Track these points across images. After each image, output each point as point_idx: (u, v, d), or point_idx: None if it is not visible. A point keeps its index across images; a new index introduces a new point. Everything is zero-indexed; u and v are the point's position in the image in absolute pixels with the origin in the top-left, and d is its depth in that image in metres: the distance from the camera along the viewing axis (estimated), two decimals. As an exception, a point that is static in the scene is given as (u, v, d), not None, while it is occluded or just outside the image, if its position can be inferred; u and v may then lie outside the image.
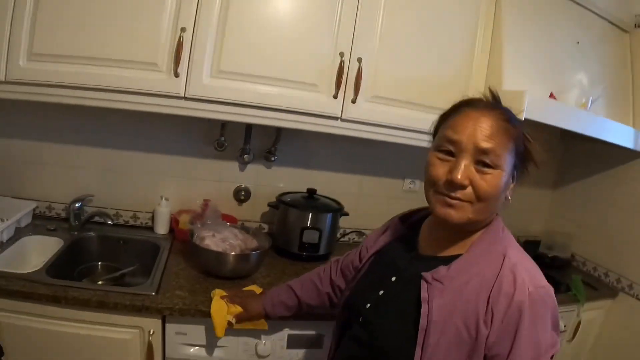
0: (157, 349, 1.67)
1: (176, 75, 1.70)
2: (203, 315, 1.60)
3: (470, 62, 2.04)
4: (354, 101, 1.86)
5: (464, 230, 1.05)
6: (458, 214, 0.98)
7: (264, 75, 1.79)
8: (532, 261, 1.03)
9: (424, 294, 0.99)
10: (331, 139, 2.12)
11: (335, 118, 1.89)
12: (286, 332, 1.72)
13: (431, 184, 1.03)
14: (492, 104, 1.06)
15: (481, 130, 0.97)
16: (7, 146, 2.15)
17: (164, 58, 1.71)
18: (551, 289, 0.97)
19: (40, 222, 2.15)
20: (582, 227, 2.68)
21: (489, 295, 0.93)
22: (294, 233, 2.11)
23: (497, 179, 0.97)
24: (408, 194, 2.49)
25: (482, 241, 1.03)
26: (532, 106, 1.77)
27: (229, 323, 1.53)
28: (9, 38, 1.64)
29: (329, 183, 2.34)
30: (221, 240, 1.83)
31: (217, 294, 1.60)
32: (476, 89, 1.60)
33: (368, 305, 1.15)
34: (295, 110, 1.84)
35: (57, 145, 2.18)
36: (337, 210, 2.20)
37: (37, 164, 2.20)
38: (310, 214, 2.12)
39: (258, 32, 1.77)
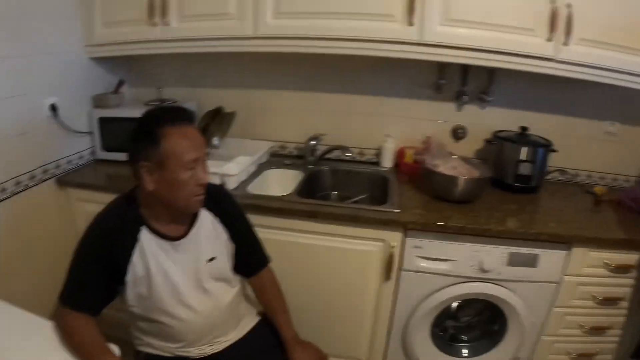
0: (396, 260, 2.03)
1: (410, 24, 1.99)
2: (439, 229, 1.93)
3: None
4: (565, 44, 1.98)
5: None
6: None
7: (487, 22, 1.99)
8: None
9: None
10: (539, 81, 2.28)
11: (550, 59, 2.02)
12: (507, 249, 1.95)
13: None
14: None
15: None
16: (247, 95, 2.68)
17: (398, 10, 2.00)
18: None
19: (276, 159, 2.66)
20: None
21: None
22: (510, 166, 2.33)
23: None
24: (607, 136, 2.53)
25: None
26: None
27: None
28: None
29: (536, 123, 2.47)
30: (451, 168, 2.15)
31: None
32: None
33: None
34: (514, 52, 2.01)
35: (290, 92, 2.66)
36: (548, 146, 2.35)
37: (272, 109, 2.70)
38: (525, 148, 2.31)
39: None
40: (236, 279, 1.71)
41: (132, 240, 1.43)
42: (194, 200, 1.41)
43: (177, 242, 1.48)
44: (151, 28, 2.24)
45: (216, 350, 1.64)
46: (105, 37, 2.37)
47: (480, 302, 2.16)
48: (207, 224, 1.56)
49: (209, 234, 1.56)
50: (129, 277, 1.44)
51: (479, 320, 2.29)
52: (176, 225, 1.49)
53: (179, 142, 1.33)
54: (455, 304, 2.23)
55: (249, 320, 1.77)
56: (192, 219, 1.53)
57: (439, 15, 1.98)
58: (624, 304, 2.04)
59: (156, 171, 1.36)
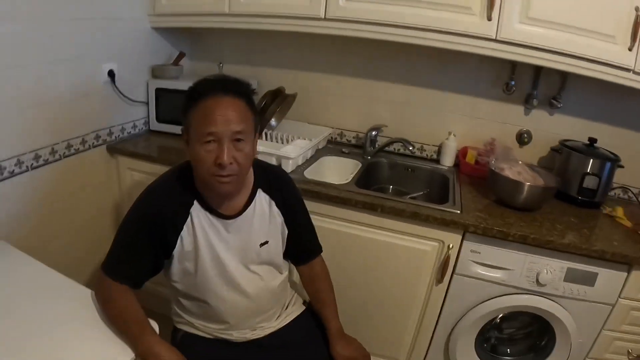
0: (451, 263, 1.96)
1: (489, 19, 1.91)
2: (500, 236, 1.85)
3: None
4: None
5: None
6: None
7: (566, 24, 1.89)
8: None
9: None
10: (612, 92, 2.19)
11: (628, 70, 1.92)
12: (566, 264, 1.87)
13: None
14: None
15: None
16: (308, 78, 2.63)
17: (477, 3, 1.92)
18: None
19: (333, 146, 2.61)
20: None
21: None
22: (574, 177, 2.23)
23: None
24: None
25: None
26: None
27: None
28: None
29: (604, 136, 2.35)
30: (517, 173, 2.06)
31: None
32: None
33: None
34: (591, 58, 1.91)
35: (352, 79, 2.59)
36: (616, 161, 2.25)
37: (332, 95, 2.64)
38: (592, 161, 2.21)
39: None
40: (285, 265, 1.68)
41: (183, 214, 1.40)
42: (213, 180, 1.31)
43: (229, 221, 1.44)
44: (218, 1, 2.20)
45: (258, 336, 1.61)
46: (170, 7, 2.34)
47: (527, 315, 2.08)
48: (263, 206, 1.51)
49: (264, 216, 1.51)
50: (176, 251, 1.41)
51: (524, 333, 2.21)
52: (230, 202, 1.44)
53: (200, 113, 1.27)
54: (500, 315, 2.14)
55: (295, 309, 1.74)
56: (248, 199, 1.48)
57: (518, 12, 1.90)
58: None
59: (188, 142, 1.33)
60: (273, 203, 1.53)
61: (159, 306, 1.56)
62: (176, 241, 1.40)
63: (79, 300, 1.38)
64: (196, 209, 1.41)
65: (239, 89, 1.30)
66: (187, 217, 1.40)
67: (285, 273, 1.68)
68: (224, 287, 1.48)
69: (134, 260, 1.39)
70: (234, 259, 1.47)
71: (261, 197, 1.51)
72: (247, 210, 1.47)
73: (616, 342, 1.99)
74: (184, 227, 1.40)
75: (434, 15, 1.97)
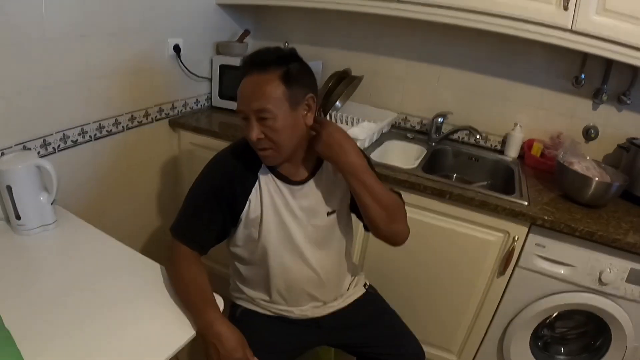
0: (515, 255, 1.93)
1: (565, 8, 1.86)
2: (567, 231, 1.81)
3: None
4: None
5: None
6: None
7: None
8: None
9: None
10: None
11: None
12: (630, 265, 1.82)
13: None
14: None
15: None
16: (374, 61, 2.62)
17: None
18: None
19: (397, 131, 2.60)
20: None
21: None
22: (642, 177, 2.17)
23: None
24: None
25: None
26: None
27: None
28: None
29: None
30: (585, 169, 2.01)
31: None
32: None
33: None
34: None
35: (419, 63, 2.57)
36: (685, 163, 2.18)
37: (398, 79, 2.62)
38: (662, 161, 2.14)
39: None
40: (350, 241, 1.66)
41: (252, 178, 1.40)
42: (259, 153, 1.34)
43: (297, 187, 1.44)
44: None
45: (318, 315, 1.61)
46: (236, -16, 2.35)
47: (582, 315, 2.05)
48: (330, 173, 1.49)
49: (331, 183, 1.49)
50: (243, 215, 1.42)
51: (579, 333, 2.16)
52: (297, 168, 1.44)
53: (240, 89, 1.29)
54: (557, 312, 2.10)
55: (356, 291, 1.72)
56: (315, 165, 1.47)
57: (595, 3, 1.85)
58: None
59: None
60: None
61: (216, 287, 1.57)
62: (244, 205, 1.41)
63: (141, 273, 1.40)
64: (264, 173, 1.41)
65: (267, 63, 1.26)
66: (255, 180, 1.40)
67: (349, 248, 1.67)
68: (287, 254, 1.48)
69: (202, 224, 1.40)
70: (299, 227, 1.46)
71: (329, 164, 1.47)
72: (314, 176, 1.46)
73: (672, 350, 1.94)
74: (252, 190, 1.40)
75: (510, 2, 1.93)
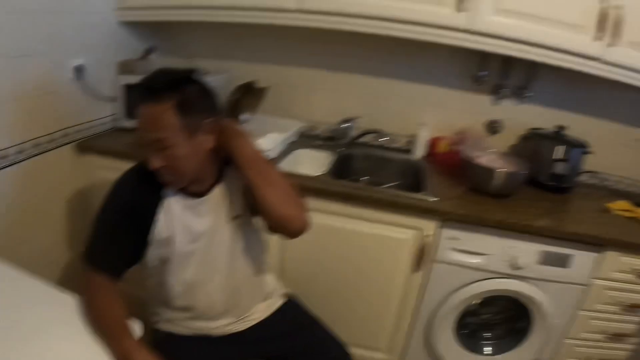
0: (429, 251, 1.99)
1: (461, 10, 1.95)
2: (478, 222, 1.89)
3: None
4: (612, 45, 1.96)
5: None
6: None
7: (536, 15, 1.95)
8: None
9: None
10: (580, 81, 2.25)
11: (595, 59, 2.00)
12: (541, 247, 1.93)
13: None
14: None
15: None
16: (280, 71, 2.63)
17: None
18: None
19: (306, 139, 2.61)
20: None
21: None
22: (544, 164, 2.30)
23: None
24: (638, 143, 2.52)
25: None
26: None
27: None
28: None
29: (572, 123, 2.43)
30: (490, 161, 2.12)
31: None
32: None
33: None
34: (560, 48, 1.99)
35: (324, 71, 2.61)
36: (584, 147, 2.33)
37: (304, 88, 2.65)
38: (562, 147, 2.28)
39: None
40: (264, 245, 1.66)
41: (157, 198, 1.39)
42: (161, 179, 1.35)
43: (202, 199, 1.43)
44: (185, -7, 2.18)
45: (240, 329, 1.61)
46: (137, 0, 2.30)
47: (504, 299, 2.14)
48: (234, 179, 1.47)
49: (234, 188, 1.48)
50: (153, 236, 1.39)
51: (502, 317, 2.27)
52: (202, 182, 1.43)
53: (137, 118, 1.29)
54: (476, 301, 2.19)
55: (276, 300, 1.73)
56: (218, 175, 1.46)
57: (490, 4, 1.95)
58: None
59: None
60: None
61: (136, 311, 1.52)
62: (153, 225, 1.38)
63: (56, 305, 1.32)
64: (168, 190, 1.40)
65: (160, 91, 1.24)
66: (161, 200, 1.39)
67: (264, 258, 1.66)
68: (200, 270, 1.46)
69: (113, 249, 1.36)
70: (209, 240, 1.45)
71: (232, 172, 1.46)
72: (217, 186, 1.45)
73: (592, 321, 2.07)
74: (159, 209, 1.38)
75: (407, 7, 1.99)
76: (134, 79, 2.34)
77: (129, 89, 2.36)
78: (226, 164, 1.46)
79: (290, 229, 1.43)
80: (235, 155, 1.36)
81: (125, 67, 2.41)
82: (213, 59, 2.65)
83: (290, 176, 1.96)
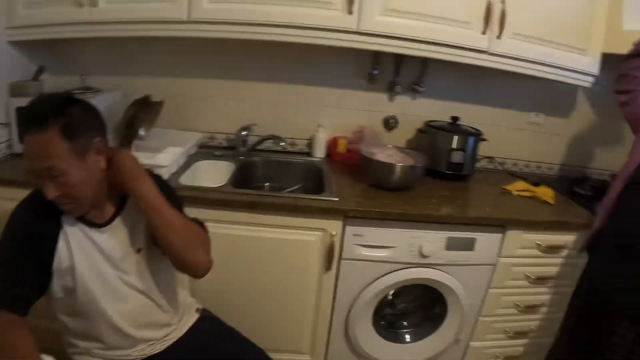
0: (337, 250, 2.03)
1: (350, 12, 2.01)
2: (379, 216, 1.95)
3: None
4: (499, 37, 2.10)
5: None
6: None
7: (424, 14, 2.05)
8: None
9: None
10: (470, 73, 2.42)
11: (484, 52, 2.14)
12: (445, 234, 2.02)
13: None
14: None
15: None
16: (175, 84, 2.60)
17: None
18: None
19: (206, 150, 2.57)
20: None
21: None
22: (442, 154, 2.41)
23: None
24: (533, 126, 2.73)
25: None
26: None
27: None
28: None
29: (466, 114, 2.59)
30: (388, 156, 2.19)
31: None
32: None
33: None
34: (449, 43, 2.10)
35: (220, 81, 2.60)
36: (478, 135, 2.46)
37: (200, 99, 2.63)
38: (457, 137, 2.40)
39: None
40: (172, 270, 1.59)
41: (56, 226, 1.35)
42: (60, 208, 1.31)
43: (103, 228, 1.40)
44: (77, 9, 2.09)
45: (157, 351, 1.57)
46: (27, 18, 2.19)
47: (418, 288, 2.22)
48: (136, 212, 1.44)
49: (136, 220, 1.45)
50: (55, 266, 1.34)
51: (417, 305, 2.35)
52: (102, 210, 1.40)
53: (23, 148, 1.26)
54: (391, 292, 2.27)
55: (189, 318, 1.70)
56: (119, 204, 1.43)
57: (378, 5, 2.02)
58: (555, 282, 2.19)
59: None
60: None
61: (53, 342, 1.47)
62: (53, 255, 1.34)
63: None
64: (67, 219, 1.36)
65: (43, 119, 1.20)
66: (60, 227, 1.34)
67: (174, 279, 1.63)
68: (109, 299, 1.42)
69: (14, 282, 1.29)
70: (113, 269, 1.41)
71: (134, 204, 1.42)
72: (120, 214, 1.43)
73: (503, 297, 2.20)
74: (59, 238, 1.34)
75: (299, 12, 2.02)
76: (26, 101, 2.25)
77: (22, 111, 2.26)
78: (128, 195, 1.43)
79: (194, 274, 1.46)
80: (135, 199, 1.35)
81: (17, 89, 2.29)
82: (107, 76, 2.56)
83: (192, 189, 1.99)
